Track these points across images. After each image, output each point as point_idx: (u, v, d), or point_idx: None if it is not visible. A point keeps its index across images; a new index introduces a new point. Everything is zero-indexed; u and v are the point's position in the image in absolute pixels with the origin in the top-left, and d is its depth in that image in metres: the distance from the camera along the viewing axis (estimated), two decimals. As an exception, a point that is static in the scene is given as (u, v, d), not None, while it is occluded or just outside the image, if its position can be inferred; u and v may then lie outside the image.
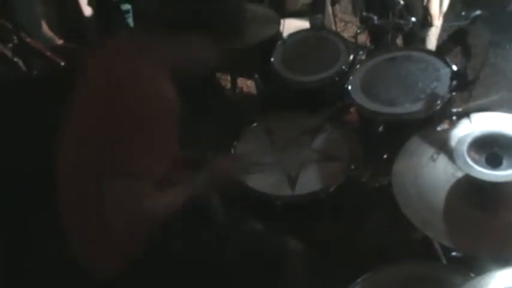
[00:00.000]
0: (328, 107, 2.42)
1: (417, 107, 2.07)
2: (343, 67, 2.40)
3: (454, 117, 1.88)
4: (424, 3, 3.04)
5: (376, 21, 2.51)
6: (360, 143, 2.13)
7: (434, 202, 1.62)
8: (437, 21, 3.10)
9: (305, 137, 2.21)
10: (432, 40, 3.17)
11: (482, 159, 1.59)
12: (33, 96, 2.42)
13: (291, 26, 2.99)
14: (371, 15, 2.53)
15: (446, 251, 1.81)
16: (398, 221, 1.67)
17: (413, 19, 2.53)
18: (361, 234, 2.13)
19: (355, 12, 3.68)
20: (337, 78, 2.38)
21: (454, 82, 2.03)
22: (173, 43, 1.52)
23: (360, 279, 1.59)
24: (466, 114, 1.87)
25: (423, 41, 3.15)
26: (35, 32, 2.91)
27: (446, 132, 1.85)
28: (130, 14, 3.36)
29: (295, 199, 1.99)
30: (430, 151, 1.79)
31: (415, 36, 3.02)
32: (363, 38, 2.96)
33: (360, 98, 2.20)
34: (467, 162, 1.56)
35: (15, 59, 2.62)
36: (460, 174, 1.65)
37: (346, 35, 3.57)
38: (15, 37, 2.59)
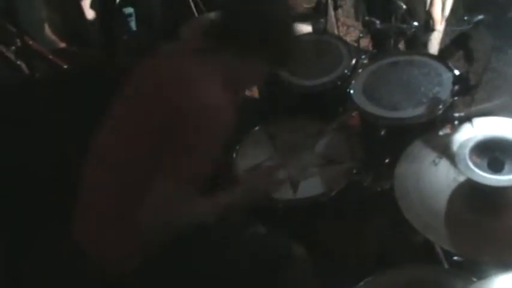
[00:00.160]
0: (331, 111, 2.42)
1: (419, 111, 2.07)
2: (346, 71, 2.40)
3: (456, 122, 1.88)
4: (427, 8, 3.04)
5: (378, 26, 2.51)
6: (362, 147, 2.13)
7: (436, 206, 1.62)
8: (440, 26, 3.10)
9: (307, 141, 2.21)
10: (434, 44, 3.17)
11: (484, 163, 1.59)
12: (35, 99, 2.43)
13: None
14: (373, 19, 2.52)
15: (448, 255, 1.81)
16: (400, 225, 1.67)
17: (415, 23, 2.53)
18: (363, 238, 2.12)
19: (358, 17, 3.67)
20: (339, 83, 2.37)
21: (456, 87, 2.02)
22: (230, 59, 1.55)
23: (362, 283, 1.60)
24: (468, 118, 1.87)
25: (425, 45, 3.15)
26: (38, 35, 2.91)
27: (448, 136, 1.85)
28: (133, 18, 3.36)
29: (297, 203, 1.98)
30: (432, 155, 1.79)
31: (418, 41, 3.02)
32: (365, 42, 2.97)
33: (362, 102, 2.20)
34: (469, 167, 1.56)
35: (18, 62, 2.63)
36: (461, 179, 1.66)
37: (349, 39, 3.58)
38: (18, 40, 2.60)
